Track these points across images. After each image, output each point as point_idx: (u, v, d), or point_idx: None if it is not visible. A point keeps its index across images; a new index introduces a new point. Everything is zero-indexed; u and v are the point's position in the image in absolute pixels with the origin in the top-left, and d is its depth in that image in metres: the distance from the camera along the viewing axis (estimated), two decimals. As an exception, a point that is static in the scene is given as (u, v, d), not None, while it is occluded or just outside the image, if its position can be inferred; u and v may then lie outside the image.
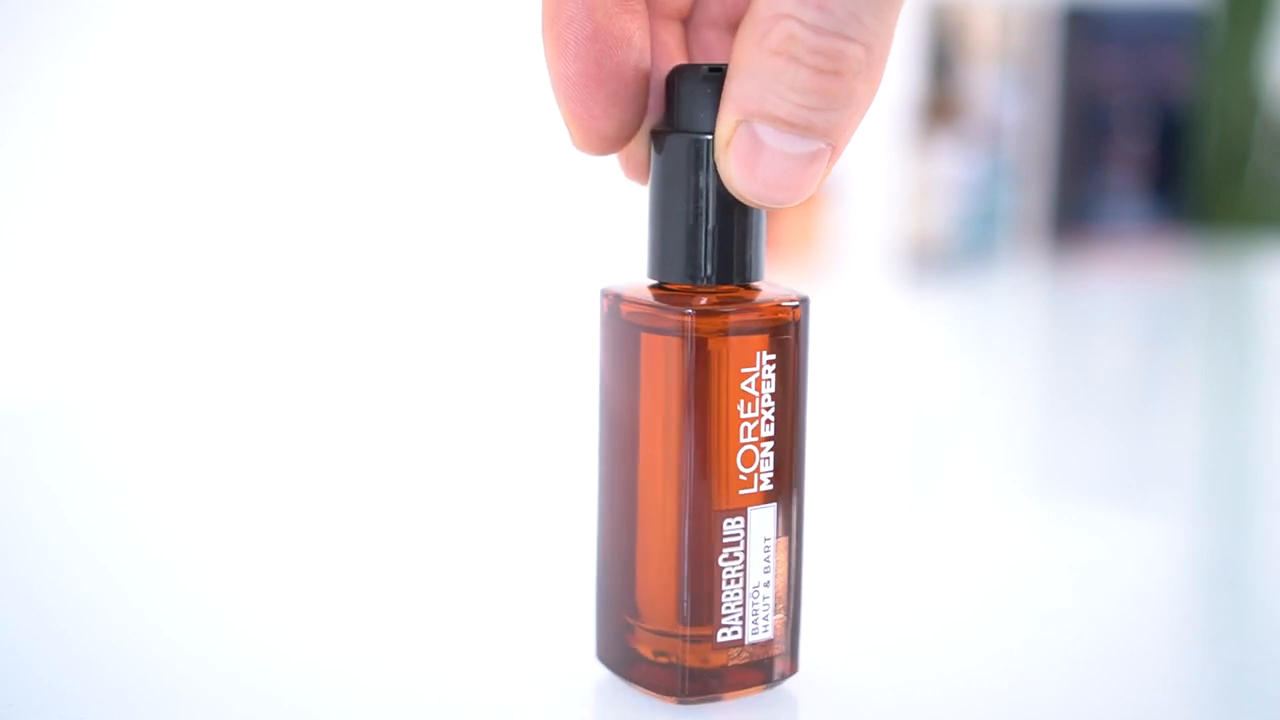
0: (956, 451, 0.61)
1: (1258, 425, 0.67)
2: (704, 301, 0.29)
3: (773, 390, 0.30)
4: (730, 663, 0.31)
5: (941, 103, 1.20)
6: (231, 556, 0.41)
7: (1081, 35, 1.25)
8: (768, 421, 0.30)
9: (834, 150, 0.28)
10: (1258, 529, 0.49)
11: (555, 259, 0.86)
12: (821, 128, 0.27)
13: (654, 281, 0.31)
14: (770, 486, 0.30)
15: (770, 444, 0.30)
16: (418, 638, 0.35)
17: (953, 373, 0.79)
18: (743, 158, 0.28)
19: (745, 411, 0.30)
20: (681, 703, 0.31)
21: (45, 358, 0.61)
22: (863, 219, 1.09)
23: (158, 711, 0.31)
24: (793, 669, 0.32)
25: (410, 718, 0.31)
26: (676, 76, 0.30)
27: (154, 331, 0.66)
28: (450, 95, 0.79)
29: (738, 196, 0.28)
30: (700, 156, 0.29)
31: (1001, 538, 0.46)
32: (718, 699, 0.31)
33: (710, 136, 0.29)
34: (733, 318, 0.29)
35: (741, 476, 0.30)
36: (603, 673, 0.33)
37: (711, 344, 0.29)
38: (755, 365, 0.30)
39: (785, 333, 0.30)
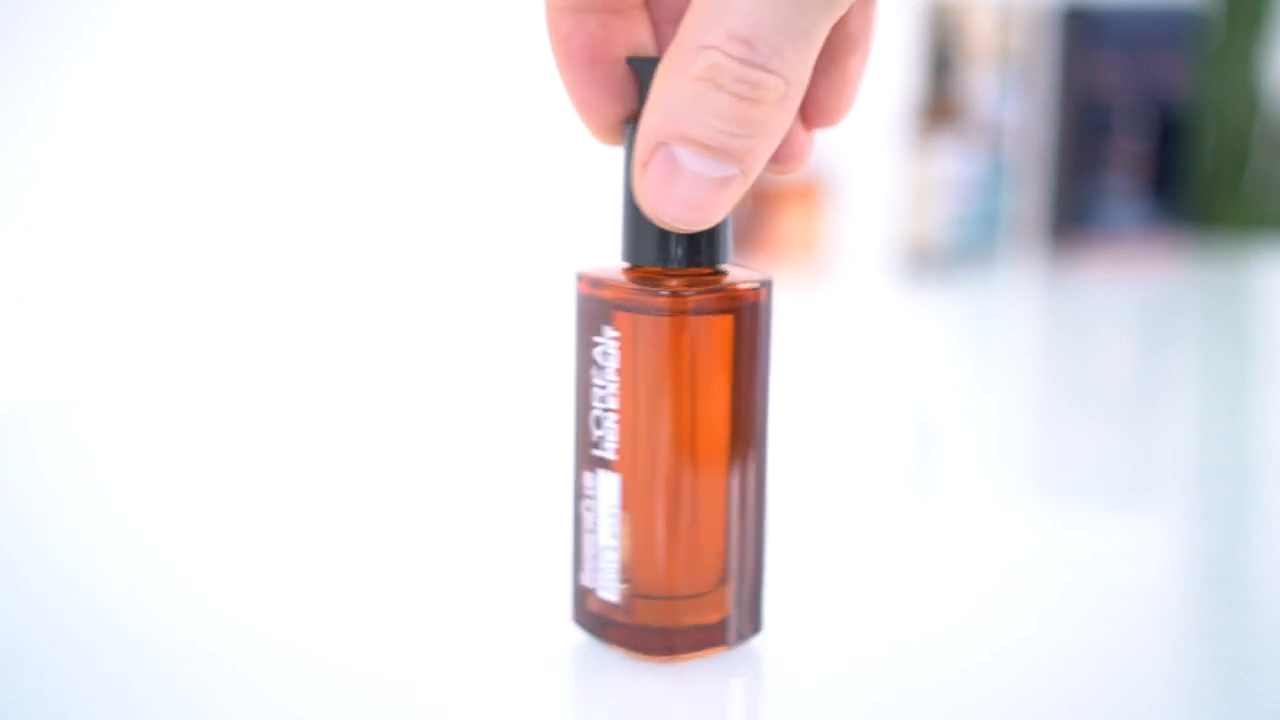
0: (955, 451, 0.61)
1: (1256, 426, 0.67)
2: (674, 283, 0.31)
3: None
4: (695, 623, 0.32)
5: (940, 103, 1.20)
6: (225, 548, 0.41)
7: (1080, 36, 1.25)
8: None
9: (745, 176, 0.29)
10: (1256, 529, 0.49)
11: (532, 242, 0.87)
12: (737, 153, 0.28)
13: (627, 264, 0.32)
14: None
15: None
16: (396, 611, 0.35)
17: (951, 373, 0.79)
18: (659, 179, 0.29)
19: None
20: (655, 662, 0.32)
21: (45, 358, 0.61)
22: (862, 219, 1.09)
23: (157, 708, 0.31)
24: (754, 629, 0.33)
25: (389, 689, 0.31)
26: (642, 67, 0.31)
27: (153, 331, 0.66)
28: (428, 87, 0.79)
29: (650, 217, 0.30)
30: None
31: (999, 537, 0.46)
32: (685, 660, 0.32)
33: None
34: (700, 298, 0.31)
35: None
36: (579, 636, 0.33)
37: (681, 321, 0.31)
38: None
39: (749, 312, 0.32)
